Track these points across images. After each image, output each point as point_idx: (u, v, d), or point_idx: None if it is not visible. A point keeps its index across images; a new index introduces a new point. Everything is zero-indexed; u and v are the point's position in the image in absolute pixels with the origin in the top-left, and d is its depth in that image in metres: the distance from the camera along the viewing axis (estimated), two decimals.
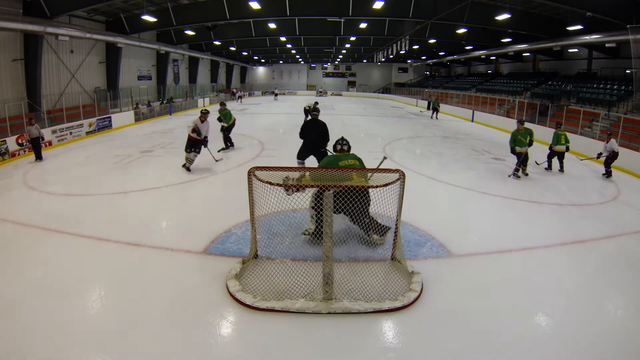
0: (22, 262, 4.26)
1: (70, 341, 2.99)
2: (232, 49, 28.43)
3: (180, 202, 6.34)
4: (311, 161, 7.37)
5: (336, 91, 44.22)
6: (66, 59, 15.72)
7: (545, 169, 9.10)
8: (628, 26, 11.77)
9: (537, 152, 9.68)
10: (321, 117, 7.77)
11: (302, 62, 44.35)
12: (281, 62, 44.12)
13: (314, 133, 6.99)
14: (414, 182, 6.78)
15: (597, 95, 15.46)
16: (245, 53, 33.76)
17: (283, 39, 24.20)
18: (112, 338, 3.03)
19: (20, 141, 10.13)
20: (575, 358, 2.93)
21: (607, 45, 15.32)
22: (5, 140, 9.56)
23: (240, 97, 31.51)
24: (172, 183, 7.24)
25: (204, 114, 8.09)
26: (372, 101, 35.22)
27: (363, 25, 18.78)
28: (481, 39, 21.54)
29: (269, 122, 18.01)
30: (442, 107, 23.52)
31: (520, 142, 8.02)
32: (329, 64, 45.44)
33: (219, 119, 10.79)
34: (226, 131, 10.75)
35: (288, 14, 15.87)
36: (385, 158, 5.42)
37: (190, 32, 20.83)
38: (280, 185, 3.47)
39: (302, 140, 7.28)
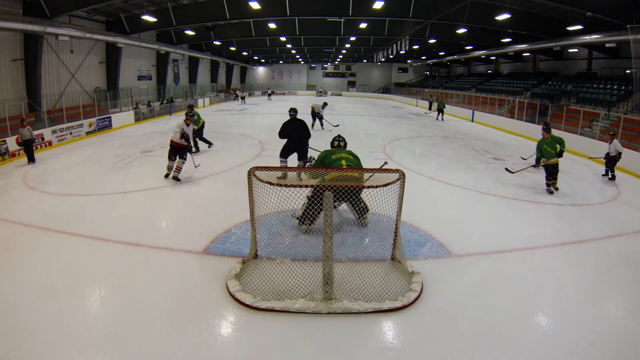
0: (22, 262, 4.26)
1: (70, 341, 2.99)
2: (232, 49, 28.44)
3: (180, 202, 6.34)
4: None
5: (336, 91, 44.22)
6: (66, 59, 15.73)
7: (534, 166, 8.96)
8: (628, 26, 11.78)
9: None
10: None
11: (302, 62, 44.36)
12: (281, 62, 44.13)
13: (292, 132, 7.21)
14: (414, 182, 6.78)
15: (597, 95, 15.46)
16: (245, 53, 33.78)
17: (283, 39, 24.21)
18: (112, 338, 3.03)
19: (20, 141, 10.11)
20: (575, 358, 2.93)
21: (607, 45, 15.34)
22: (5, 140, 9.55)
23: (242, 97, 31.24)
24: (172, 183, 7.23)
25: (190, 117, 7.63)
26: (372, 101, 35.23)
27: (363, 25, 18.78)
28: (481, 39, 21.55)
29: (269, 122, 18.00)
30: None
31: (547, 152, 7.05)
32: (329, 64, 45.44)
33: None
34: (196, 134, 10.44)
35: (288, 14, 15.89)
36: (386, 163, 5.47)
37: (190, 32, 20.84)
38: (281, 186, 3.47)
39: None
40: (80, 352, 2.89)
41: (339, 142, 5.43)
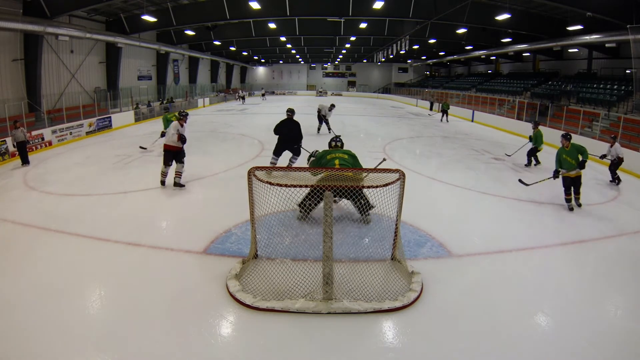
0: (22, 262, 4.26)
1: (70, 341, 2.99)
2: (232, 49, 28.45)
3: (180, 202, 6.34)
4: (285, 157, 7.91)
5: (336, 91, 44.21)
6: (66, 59, 15.73)
7: (552, 178, 8.96)
8: (628, 26, 11.78)
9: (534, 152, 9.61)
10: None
11: (302, 62, 44.35)
12: (281, 62, 44.12)
13: (287, 130, 7.59)
14: (414, 182, 6.78)
15: (597, 95, 15.46)
16: (245, 53, 33.78)
17: (283, 39, 24.21)
18: (112, 338, 3.03)
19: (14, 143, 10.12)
20: (575, 358, 2.93)
21: (607, 45, 15.34)
22: (5, 140, 9.54)
23: (242, 97, 31.17)
24: (172, 183, 7.23)
25: (184, 116, 7.00)
26: (372, 101, 35.23)
27: (363, 25, 18.78)
28: (481, 39, 21.55)
29: (269, 122, 17.97)
30: (439, 106, 23.46)
31: (566, 163, 6.16)
32: (329, 64, 45.44)
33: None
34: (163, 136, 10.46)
35: (288, 14, 15.88)
36: (384, 159, 5.48)
37: (190, 32, 20.84)
38: (281, 185, 3.47)
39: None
40: (80, 352, 2.89)
41: (335, 143, 5.63)
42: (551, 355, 2.93)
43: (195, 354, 2.89)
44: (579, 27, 14.33)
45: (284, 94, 43.99)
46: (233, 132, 14.55)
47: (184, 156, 7.00)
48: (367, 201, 4.82)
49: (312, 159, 6.09)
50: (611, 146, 8.27)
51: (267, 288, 3.61)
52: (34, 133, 10.75)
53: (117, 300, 3.57)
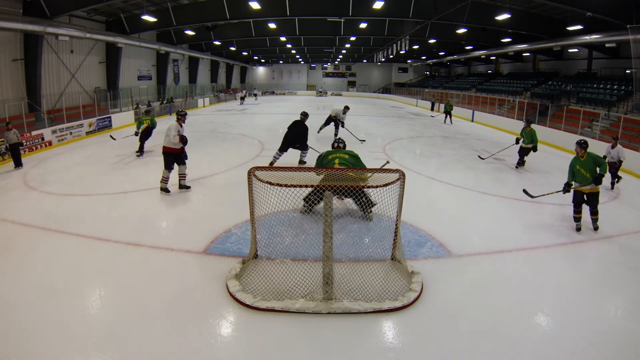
0: (22, 262, 4.26)
1: (70, 341, 2.99)
2: (232, 49, 28.45)
3: (180, 202, 6.34)
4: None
5: (336, 91, 44.23)
6: (66, 59, 15.73)
7: (561, 191, 8.81)
8: (628, 26, 11.78)
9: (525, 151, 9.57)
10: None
11: (302, 62, 44.36)
12: (281, 62, 44.13)
13: (296, 130, 8.31)
14: (414, 182, 6.78)
15: (597, 95, 15.46)
16: (245, 53, 33.78)
17: (283, 39, 24.21)
18: (112, 338, 3.03)
19: (20, 141, 10.11)
20: (575, 358, 2.93)
21: (607, 45, 15.33)
22: (5, 140, 9.53)
23: (242, 97, 30.87)
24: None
25: (183, 116, 6.63)
26: (372, 101, 35.22)
27: (363, 25, 18.78)
28: (481, 39, 21.55)
29: (269, 122, 18.00)
30: (440, 106, 23.44)
31: (580, 175, 5.27)
32: (329, 64, 45.44)
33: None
34: (145, 136, 10.33)
35: (288, 14, 15.88)
36: (387, 162, 5.52)
37: (190, 32, 20.85)
38: (281, 185, 3.47)
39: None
40: (80, 352, 2.89)
41: (337, 144, 5.78)
42: (551, 355, 2.93)
43: (195, 354, 2.89)
44: (579, 27, 14.33)
45: (284, 94, 43.99)
46: (233, 132, 14.56)
47: (186, 157, 6.76)
48: (368, 198, 4.86)
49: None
50: (612, 147, 7.76)
51: (267, 288, 3.61)
52: (34, 133, 10.76)
53: (117, 300, 3.57)
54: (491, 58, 27.63)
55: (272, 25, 19.79)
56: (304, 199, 4.95)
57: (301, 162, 8.60)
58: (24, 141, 10.21)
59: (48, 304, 3.44)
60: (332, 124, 12.42)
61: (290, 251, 4.32)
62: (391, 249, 4.23)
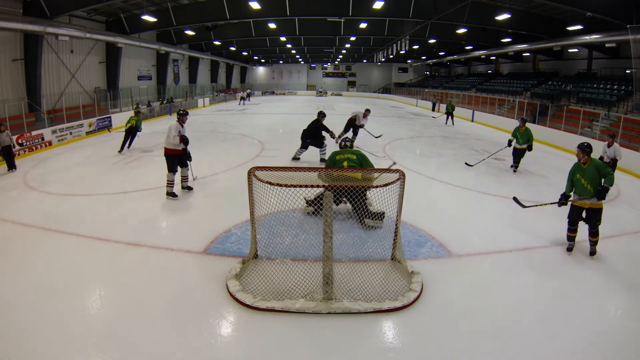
0: (22, 262, 4.26)
1: (70, 341, 2.99)
2: (232, 49, 28.44)
3: (180, 202, 6.33)
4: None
5: (336, 91, 44.23)
6: (66, 59, 15.72)
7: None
8: (628, 26, 11.78)
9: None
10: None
11: (302, 62, 44.37)
12: (281, 62, 44.13)
13: (309, 127, 8.99)
14: (414, 182, 6.78)
15: (597, 95, 15.46)
16: (245, 53, 33.78)
17: (283, 39, 24.21)
18: (112, 338, 3.03)
19: (20, 141, 10.13)
20: (575, 358, 2.93)
21: (607, 45, 15.34)
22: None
23: (243, 98, 30.55)
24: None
25: (184, 115, 6.36)
26: (372, 101, 35.21)
27: (363, 25, 18.79)
28: (481, 39, 21.55)
29: (269, 122, 18.01)
30: (441, 107, 23.41)
31: (580, 186, 4.46)
32: (329, 64, 45.45)
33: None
34: (131, 135, 10.85)
35: (288, 14, 15.88)
36: (394, 164, 5.52)
37: (190, 32, 20.85)
38: (281, 185, 3.47)
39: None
40: (80, 352, 2.89)
41: (345, 143, 5.81)
42: (551, 355, 2.93)
43: (196, 354, 2.89)
44: (579, 27, 14.34)
45: (283, 94, 44.00)
46: (233, 132, 14.56)
47: (190, 159, 6.56)
48: (368, 209, 4.87)
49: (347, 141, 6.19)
50: (609, 145, 7.37)
51: (267, 288, 3.61)
52: (34, 133, 10.76)
53: (117, 300, 3.57)
54: (491, 58, 27.63)
55: (272, 25, 19.79)
56: (312, 201, 4.96)
57: (322, 160, 8.91)
58: (23, 141, 10.23)
59: (48, 304, 3.44)
60: (352, 130, 11.41)
61: (290, 251, 4.32)
62: (391, 249, 4.23)
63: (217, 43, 24.75)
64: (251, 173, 3.71)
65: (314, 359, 2.90)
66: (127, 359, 2.83)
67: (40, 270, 4.08)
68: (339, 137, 10.35)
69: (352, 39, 24.24)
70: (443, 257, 4.48)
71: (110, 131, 11.37)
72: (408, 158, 10.20)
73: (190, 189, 6.75)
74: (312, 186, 3.51)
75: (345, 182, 3.80)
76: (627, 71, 15.77)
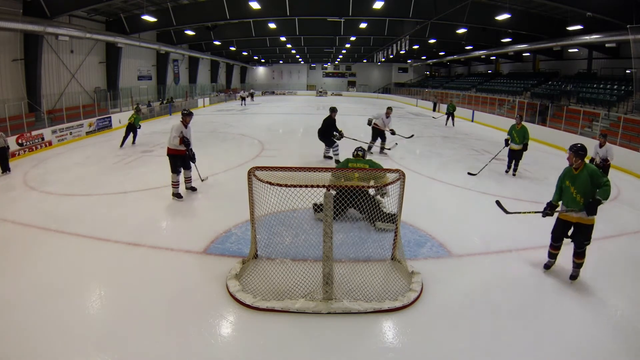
0: (22, 262, 4.26)
1: (70, 341, 2.99)
2: (232, 49, 28.45)
3: (180, 202, 6.33)
4: None
5: (336, 91, 44.24)
6: (66, 59, 15.73)
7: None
8: (628, 26, 11.78)
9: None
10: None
11: (302, 62, 44.38)
12: (281, 62, 44.15)
13: (321, 125, 9.03)
14: (414, 182, 6.77)
15: (597, 95, 15.46)
16: (245, 53, 33.79)
17: (283, 39, 24.21)
18: (112, 338, 3.03)
19: (20, 141, 10.13)
20: (575, 358, 2.93)
21: (607, 45, 15.34)
22: (6, 140, 9.52)
23: (243, 98, 30.23)
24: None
25: (187, 115, 6.18)
26: (372, 101, 35.22)
27: (363, 25, 18.79)
28: (481, 39, 21.55)
29: (269, 122, 18.01)
30: (441, 107, 23.41)
31: (568, 196, 3.88)
32: (329, 64, 45.46)
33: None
34: (133, 132, 11.68)
35: (288, 14, 15.88)
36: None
37: (190, 32, 20.85)
38: (281, 185, 3.47)
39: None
40: (80, 352, 2.89)
41: (357, 152, 5.84)
42: (551, 355, 2.93)
43: (195, 354, 2.89)
44: (579, 27, 14.34)
45: (284, 94, 44.00)
46: (233, 132, 14.56)
47: (194, 160, 6.41)
48: (380, 211, 4.66)
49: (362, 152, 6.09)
50: (601, 146, 6.94)
51: (267, 288, 3.61)
52: (34, 133, 10.77)
53: (117, 300, 3.57)
54: (491, 58, 27.63)
55: (272, 25, 19.79)
56: (318, 208, 4.76)
57: (325, 156, 9.20)
58: (23, 141, 10.23)
59: (48, 304, 3.43)
60: (379, 138, 10.36)
61: (290, 251, 4.31)
62: (391, 249, 4.23)
63: (217, 43, 24.75)
64: (251, 173, 3.71)
65: (314, 359, 2.90)
66: (127, 359, 2.83)
67: (40, 270, 4.07)
68: (368, 147, 10.09)
69: (352, 39, 24.24)
70: (443, 257, 4.48)
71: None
72: (408, 158, 10.19)
73: (194, 189, 6.73)
74: (312, 186, 3.51)
75: (347, 183, 3.80)
76: (627, 71, 15.76)
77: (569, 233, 3.96)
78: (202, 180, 7.15)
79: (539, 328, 3.28)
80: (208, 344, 3.00)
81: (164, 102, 22.61)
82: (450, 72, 38.83)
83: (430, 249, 4.63)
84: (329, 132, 8.89)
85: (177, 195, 6.33)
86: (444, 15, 14.80)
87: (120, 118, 15.97)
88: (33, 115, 12.74)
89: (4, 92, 12.51)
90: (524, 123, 8.20)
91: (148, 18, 15.42)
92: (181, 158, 6.20)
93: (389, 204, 4.03)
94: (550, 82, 20.22)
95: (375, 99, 38.10)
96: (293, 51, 33.09)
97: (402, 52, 21.56)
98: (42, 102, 13.17)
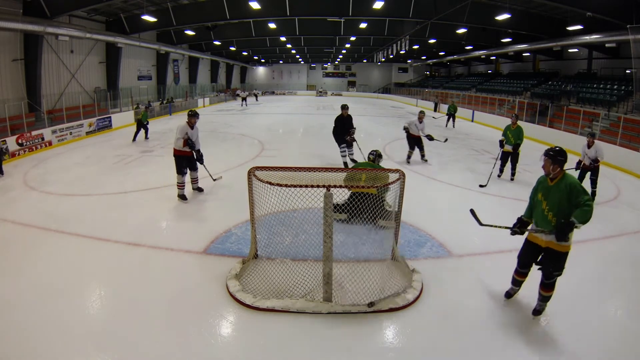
0: (22, 262, 4.26)
1: (70, 341, 2.99)
2: (232, 49, 28.44)
3: (180, 202, 6.34)
4: None
5: (336, 91, 44.23)
6: (66, 59, 15.72)
7: (510, 228, 8.12)
8: (628, 26, 11.78)
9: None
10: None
11: (302, 62, 44.36)
12: (281, 62, 44.13)
13: (334, 125, 9.09)
14: (414, 182, 6.78)
15: (597, 95, 15.46)
16: (245, 53, 33.77)
17: (283, 39, 24.21)
18: (112, 338, 3.03)
19: (20, 141, 10.13)
20: (575, 358, 2.92)
21: (607, 45, 15.33)
22: (5, 140, 9.54)
23: (244, 98, 29.55)
24: (172, 183, 7.20)
25: (192, 116, 6.06)
26: (372, 101, 35.22)
27: (363, 25, 18.78)
28: (481, 39, 21.55)
29: (269, 122, 18.01)
30: (441, 107, 23.40)
31: (539, 214, 3.22)
32: (329, 64, 45.44)
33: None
34: (143, 127, 12.55)
35: (288, 14, 15.88)
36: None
37: (190, 32, 20.84)
38: (281, 185, 3.47)
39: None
40: (80, 352, 2.89)
41: (369, 155, 5.92)
42: (551, 356, 2.93)
43: (195, 354, 2.89)
44: (579, 27, 14.33)
45: (284, 94, 44.00)
46: (233, 132, 14.56)
47: (201, 162, 6.31)
48: (384, 210, 4.61)
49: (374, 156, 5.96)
50: (589, 146, 6.36)
51: (267, 288, 3.61)
52: (34, 133, 10.76)
53: (117, 300, 3.57)
54: (491, 58, 27.62)
55: (272, 25, 19.79)
56: (341, 206, 4.57)
57: (344, 154, 8.99)
58: (23, 141, 10.23)
59: (48, 304, 3.43)
60: (416, 147, 9.44)
61: (290, 251, 4.31)
62: (391, 249, 4.23)
63: (217, 43, 24.75)
64: (251, 173, 3.71)
65: (313, 359, 2.90)
66: (127, 359, 2.83)
67: (40, 270, 4.07)
68: (407, 156, 9.40)
69: (352, 39, 24.23)
70: (443, 257, 4.48)
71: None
72: None
73: (200, 190, 6.66)
74: (312, 186, 3.51)
75: (352, 183, 3.80)
76: (627, 71, 15.75)
77: (539, 259, 3.24)
78: (215, 180, 7.07)
79: (538, 328, 3.28)
80: (208, 344, 3.00)
81: (164, 102, 22.61)
82: (450, 72, 38.83)
83: (430, 249, 4.63)
84: (335, 131, 8.94)
85: (182, 197, 6.27)
86: (444, 15, 14.79)
87: (121, 119, 15.99)
88: (33, 115, 12.74)
89: (4, 92, 12.50)
90: (519, 123, 7.86)
91: (148, 18, 15.42)
92: (187, 159, 6.14)
93: (389, 202, 4.04)
94: (550, 82, 20.21)
95: (375, 99, 38.09)
96: (293, 51, 33.08)
97: (402, 52, 21.56)
98: (42, 102, 13.17)
